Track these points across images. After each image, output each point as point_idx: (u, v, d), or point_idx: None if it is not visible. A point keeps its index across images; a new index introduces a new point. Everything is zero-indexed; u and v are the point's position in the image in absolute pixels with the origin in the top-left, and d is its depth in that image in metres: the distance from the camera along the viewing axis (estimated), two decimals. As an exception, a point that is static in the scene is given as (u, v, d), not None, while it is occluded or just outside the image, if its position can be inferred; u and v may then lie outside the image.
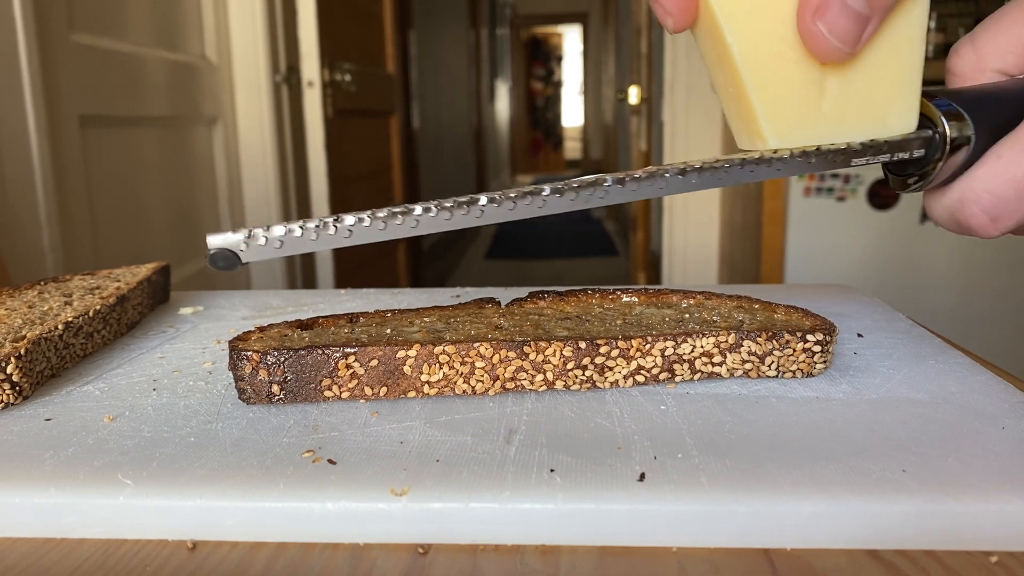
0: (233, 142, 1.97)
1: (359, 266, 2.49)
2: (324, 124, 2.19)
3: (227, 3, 1.93)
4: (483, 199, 0.33)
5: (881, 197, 1.84)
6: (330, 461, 0.33)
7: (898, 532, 0.29)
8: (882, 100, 0.34)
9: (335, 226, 0.32)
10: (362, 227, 0.32)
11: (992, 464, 0.32)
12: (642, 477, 0.31)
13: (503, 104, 8.90)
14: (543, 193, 0.33)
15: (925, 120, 0.35)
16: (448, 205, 0.32)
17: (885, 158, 0.35)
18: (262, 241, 0.32)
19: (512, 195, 0.33)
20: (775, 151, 0.34)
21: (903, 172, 0.36)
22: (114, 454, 0.34)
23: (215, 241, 0.32)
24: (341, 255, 2.32)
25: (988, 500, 0.29)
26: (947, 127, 0.33)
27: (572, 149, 11.24)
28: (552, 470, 0.32)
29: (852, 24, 0.32)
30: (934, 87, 0.35)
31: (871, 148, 0.34)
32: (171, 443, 0.35)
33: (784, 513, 0.29)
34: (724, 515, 0.29)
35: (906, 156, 0.35)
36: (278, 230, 0.32)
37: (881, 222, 1.86)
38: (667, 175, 0.33)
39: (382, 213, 0.32)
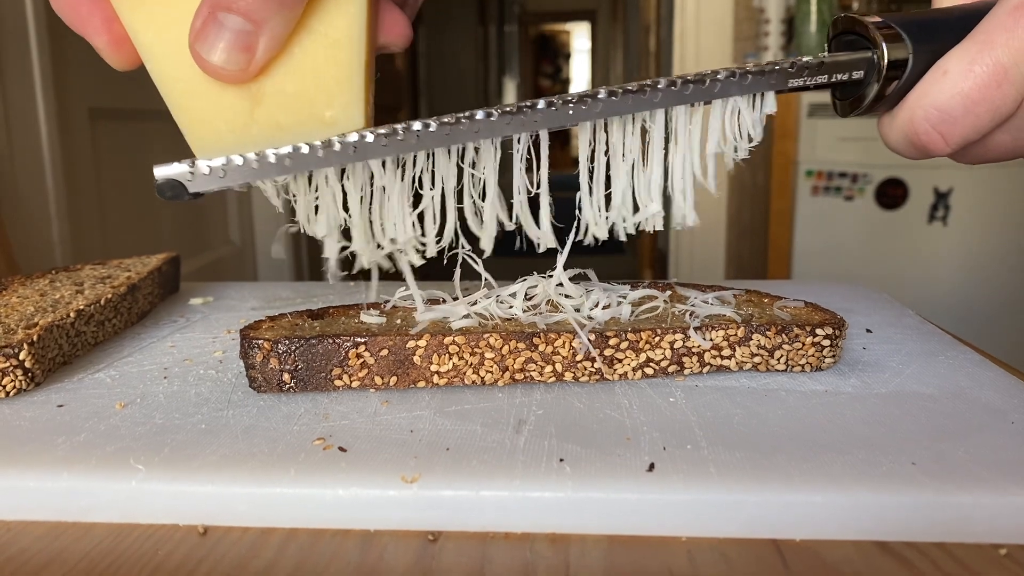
0: (241, 136, 1.97)
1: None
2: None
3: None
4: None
5: (889, 196, 1.83)
6: (341, 449, 0.33)
7: (908, 524, 0.29)
8: (320, 98, 0.34)
9: (274, 155, 0.34)
10: (300, 155, 0.34)
11: (1001, 458, 0.32)
12: (651, 467, 0.31)
13: (511, 101, 8.89)
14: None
15: (865, 42, 0.35)
16: (383, 132, 0.34)
17: (823, 79, 0.35)
18: (206, 171, 0.34)
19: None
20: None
21: (849, 97, 0.37)
22: (126, 440, 0.34)
23: (161, 172, 0.34)
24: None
25: (997, 493, 0.29)
26: (885, 48, 0.34)
27: (577, 148, 11.25)
28: (562, 459, 0.32)
29: (233, 45, 0.31)
30: (883, 14, 0.35)
31: (807, 69, 0.35)
32: (182, 430, 0.35)
33: (794, 504, 0.29)
34: (734, 505, 0.29)
35: (845, 78, 0.35)
36: (220, 159, 0.34)
37: (889, 221, 1.85)
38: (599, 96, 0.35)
39: (318, 142, 0.34)
